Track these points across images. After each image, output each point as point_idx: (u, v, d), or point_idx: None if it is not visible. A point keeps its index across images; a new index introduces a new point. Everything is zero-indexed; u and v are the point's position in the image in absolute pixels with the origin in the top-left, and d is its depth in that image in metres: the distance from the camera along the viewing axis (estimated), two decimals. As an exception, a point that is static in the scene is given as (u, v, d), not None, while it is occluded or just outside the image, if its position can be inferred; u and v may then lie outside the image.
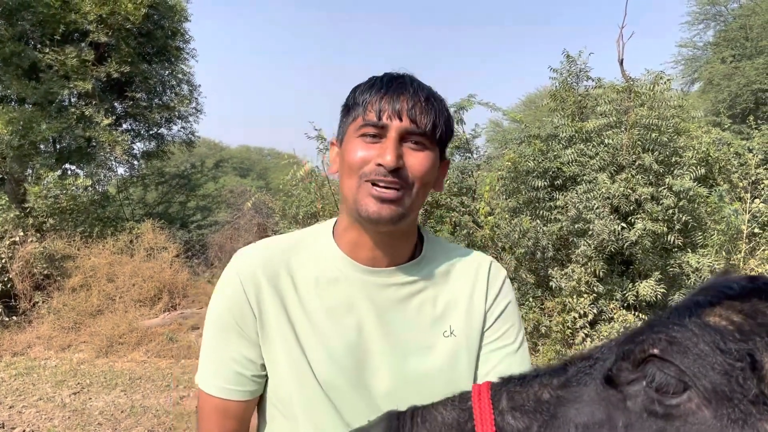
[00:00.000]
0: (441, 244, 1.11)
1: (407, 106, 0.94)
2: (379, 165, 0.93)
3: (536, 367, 0.66)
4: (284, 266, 1.02)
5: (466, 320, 1.04)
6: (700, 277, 5.52)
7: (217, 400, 1.00)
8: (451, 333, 1.02)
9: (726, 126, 8.21)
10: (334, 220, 1.09)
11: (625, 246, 5.74)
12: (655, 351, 0.50)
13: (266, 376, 1.01)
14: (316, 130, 6.30)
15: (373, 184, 0.94)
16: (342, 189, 1.00)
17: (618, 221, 5.68)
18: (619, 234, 5.62)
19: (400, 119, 0.94)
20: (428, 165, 0.97)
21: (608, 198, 5.74)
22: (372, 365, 0.98)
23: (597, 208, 5.70)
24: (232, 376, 0.99)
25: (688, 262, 5.57)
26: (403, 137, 0.95)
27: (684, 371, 0.48)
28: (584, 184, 5.92)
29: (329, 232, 1.06)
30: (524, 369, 1.04)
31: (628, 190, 5.72)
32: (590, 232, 5.65)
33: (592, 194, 5.79)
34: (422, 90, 0.98)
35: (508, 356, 1.04)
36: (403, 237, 1.03)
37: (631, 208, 5.86)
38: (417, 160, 0.95)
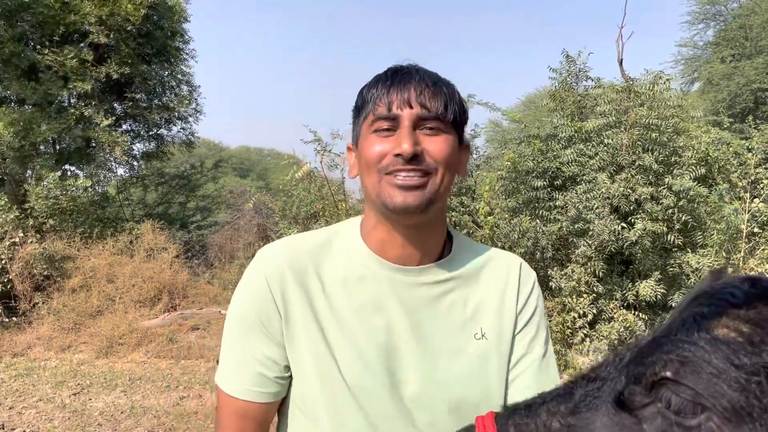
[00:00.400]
0: (469, 243, 1.09)
1: (416, 93, 0.92)
2: (397, 155, 0.91)
3: (541, 393, 0.61)
4: (312, 264, 0.99)
5: (497, 323, 1.01)
6: (700, 277, 5.53)
7: (238, 402, 0.98)
8: (483, 336, 1.00)
9: (726, 126, 8.21)
10: (360, 217, 1.07)
11: (625, 246, 5.74)
12: (668, 374, 0.47)
13: (290, 377, 0.99)
14: (311, 132, 6.29)
15: (395, 175, 0.92)
16: (365, 187, 0.98)
17: (618, 221, 5.69)
18: (619, 234, 5.62)
19: (411, 107, 0.92)
20: (447, 147, 0.94)
21: (608, 198, 5.74)
22: (401, 366, 0.96)
23: (597, 208, 5.70)
24: (254, 378, 0.97)
25: (688, 262, 5.57)
26: (416, 124, 0.92)
27: (700, 393, 0.46)
28: (584, 184, 5.93)
29: (357, 229, 1.04)
30: (552, 374, 1.03)
31: (628, 190, 5.72)
32: (590, 233, 5.65)
33: (592, 194, 5.79)
34: (429, 76, 0.95)
35: (536, 361, 1.02)
36: (432, 232, 1.00)
37: (631, 208, 5.86)
38: (435, 145, 0.93)
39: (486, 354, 0.99)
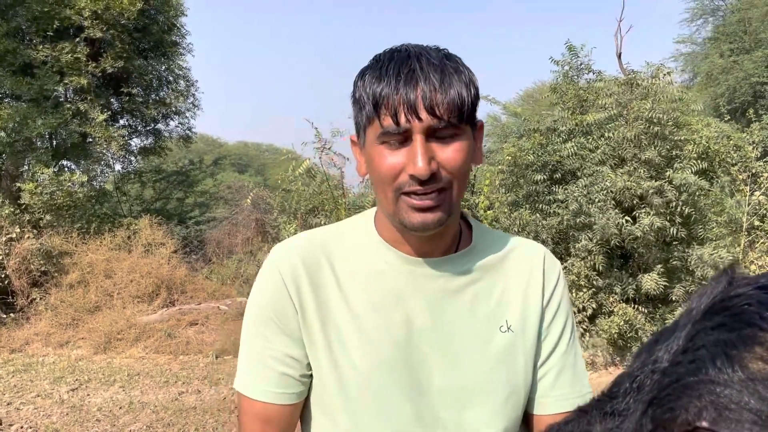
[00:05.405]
0: (491, 233, 1.05)
1: (423, 100, 0.83)
2: (412, 175, 0.85)
3: (551, 426, 0.58)
4: (325, 258, 0.96)
5: (522, 315, 0.97)
6: (705, 272, 5.51)
7: (262, 405, 0.94)
8: (509, 328, 0.96)
9: (727, 119, 8.21)
10: (372, 211, 1.02)
11: (627, 240, 5.72)
12: (704, 424, 0.44)
13: (311, 375, 0.95)
14: (313, 128, 6.30)
15: (411, 196, 0.87)
16: (377, 196, 0.94)
17: (621, 215, 5.67)
18: (623, 227, 5.60)
19: (420, 118, 0.84)
20: (462, 156, 0.88)
21: (611, 191, 5.72)
22: (422, 362, 0.92)
23: (599, 201, 5.68)
24: (277, 378, 0.93)
25: (701, 256, 5.53)
26: (428, 132, 0.86)
27: None
28: (584, 178, 5.90)
29: (371, 223, 1.00)
30: (578, 362, 1.02)
31: (632, 184, 5.69)
32: (594, 227, 5.62)
33: (594, 187, 5.76)
34: (434, 70, 0.85)
35: (565, 354, 1.00)
36: (449, 226, 0.96)
37: (634, 202, 5.84)
38: (450, 155, 0.86)
39: (512, 347, 0.95)
